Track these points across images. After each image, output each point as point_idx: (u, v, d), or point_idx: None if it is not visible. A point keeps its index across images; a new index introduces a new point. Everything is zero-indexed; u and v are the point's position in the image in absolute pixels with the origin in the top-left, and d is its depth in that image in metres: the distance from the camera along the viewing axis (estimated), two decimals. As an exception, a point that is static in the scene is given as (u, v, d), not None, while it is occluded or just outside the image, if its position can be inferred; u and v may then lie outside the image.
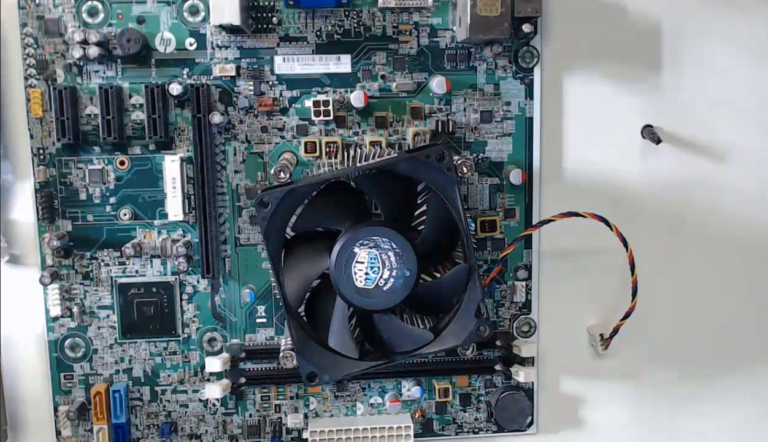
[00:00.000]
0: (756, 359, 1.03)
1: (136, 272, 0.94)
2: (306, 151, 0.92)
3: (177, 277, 0.95)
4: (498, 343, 0.97)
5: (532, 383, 0.99)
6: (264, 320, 0.96)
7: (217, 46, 0.91)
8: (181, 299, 0.95)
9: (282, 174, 0.85)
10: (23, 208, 0.92)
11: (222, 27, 0.89)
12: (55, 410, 0.95)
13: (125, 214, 0.93)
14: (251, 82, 0.92)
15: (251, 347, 0.96)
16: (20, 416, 0.96)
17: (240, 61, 0.92)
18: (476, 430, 1.00)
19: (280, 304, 0.88)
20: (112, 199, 0.93)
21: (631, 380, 1.02)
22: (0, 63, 0.90)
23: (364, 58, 0.93)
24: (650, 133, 0.95)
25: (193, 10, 0.91)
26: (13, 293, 0.94)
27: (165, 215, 0.92)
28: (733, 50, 0.97)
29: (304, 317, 0.87)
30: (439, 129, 0.93)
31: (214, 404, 0.97)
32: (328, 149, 0.92)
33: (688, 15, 0.96)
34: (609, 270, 0.97)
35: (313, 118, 0.91)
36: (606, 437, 1.03)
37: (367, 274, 0.82)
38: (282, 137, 0.93)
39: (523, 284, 0.97)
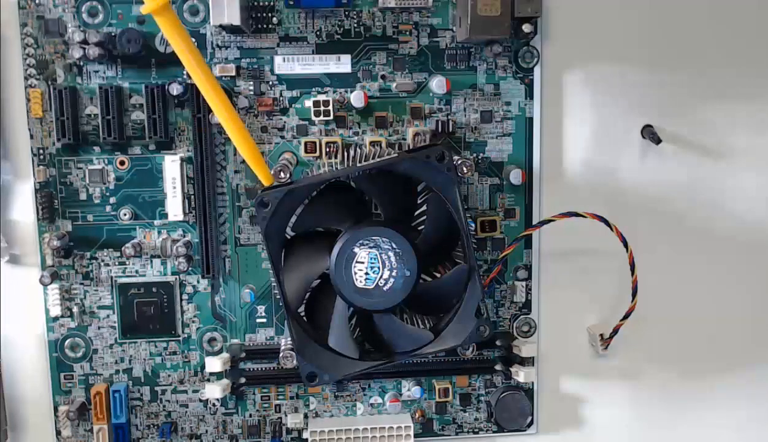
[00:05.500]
0: (756, 359, 1.03)
1: (136, 272, 0.94)
2: (306, 151, 0.92)
3: (177, 277, 0.95)
4: (498, 343, 0.97)
5: (532, 383, 0.99)
6: (264, 320, 0.96)
7: (217, 46, 0.91)
8: (181, 299, 0.95)
9: (282, 174, 0.85)
10: (23, 208, 0.92)
11: (222, 27, 0.89)
12: (55, 410, 0.95)
13: (125, 215, 0.93)
14: (251, 82, 0.92)
15: (251, 347, 0.96)
16: (20, 416, 0.96)
17: (240, 61, 0.92)
18: (476, 430, 1.00)
19: (280, 304, 0.88)
20: (112, 199, 0.93)
21: (631, 380, 1.02)
22: (0, 63, 0.90)
23: (364, 58, 0.93)
24: (650, 133, 0.95)
25: (193, 10, 0.91)
26: (13, 293, 0.94)
27: (165, 215, 0.92)
28: (733, 50, 0.97)
29: (304, 317, 0.87)
30: (439, 129, 0.93)
31: (214, 404, 0.97)
32: (328, 149, 0.92)
33: (688, 15, 0.96)
34: (609, 270, 0.97)
35: (313, 118, 0.91)
36: (606, 437, 1.03)
37: (367, 274, 0.82)
38: (282, 137, 0.93)
39: (523, 284, 0.97)
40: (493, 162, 0.95)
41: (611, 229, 0.90)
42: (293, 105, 0.93)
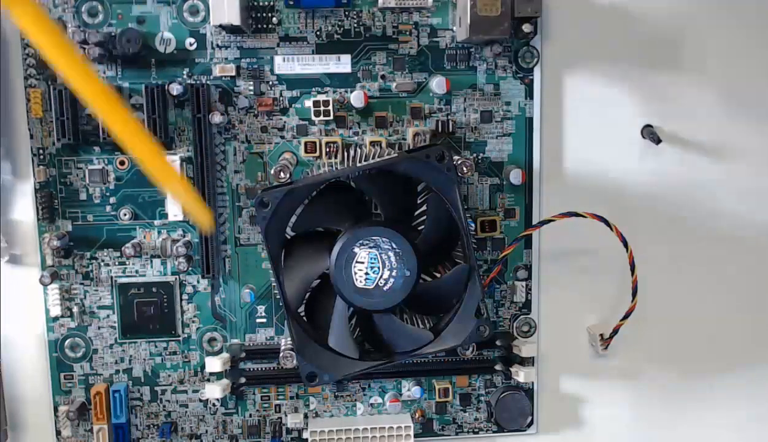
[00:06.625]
0: (755, 359, 1.03)
1: (136, 272, 0.94)
2: (306, 151, 0.92)
3: (177, 277, 0.95)
4: (498, 343, 0.97)
5: (532, 383, 0.99)
6: (264, 320, 0.96)
7: (217, 46, 0.91)
8: (181, 299, 0.95)
9: (282, 174, 0.85)
10: (23, 208, 0.92)
11: (222, 27, 0.89)
12: (55, 410, 0.95)
13: (125, 215, 0.93)
14: (251, 82, 0.92)
15: (251, 347, 0.96)
16: (20, 416, 0.96)
17: (240, 61, 0.92)
18: (476, 430, 1.00)
19: (280, 304, 0.88)
20: (112, 199, 0.93)
21: (631, 380, 1.02)
22: (0, 63, 0.90)
23: (364, 58, 0.93)
24: (650, 133, 0.95)
25: (193, 10, 0.91)
26: (13, 293, 0.94)
27: (165, 215, 0.92)
28: (733, 50, 0.97)
29: (304, 317, 0.87)
30: (439, 129, 0.93)
31: (214, 404, 0.97)
32: (328, 149, 0.92)
33: (688, 15, 0.96)
34: (609, 270, 0.97)
35: (313, 118, 0.91)
36: (606, 437, 1.03)
37: (367, 274, 0.82)
38: (282, 137, 0.93)
39: (523, 284, 0.97)
40: (493, 162, 0.95)
41: (611, 229, 0.90)
42: (293, 105, 0.93)
